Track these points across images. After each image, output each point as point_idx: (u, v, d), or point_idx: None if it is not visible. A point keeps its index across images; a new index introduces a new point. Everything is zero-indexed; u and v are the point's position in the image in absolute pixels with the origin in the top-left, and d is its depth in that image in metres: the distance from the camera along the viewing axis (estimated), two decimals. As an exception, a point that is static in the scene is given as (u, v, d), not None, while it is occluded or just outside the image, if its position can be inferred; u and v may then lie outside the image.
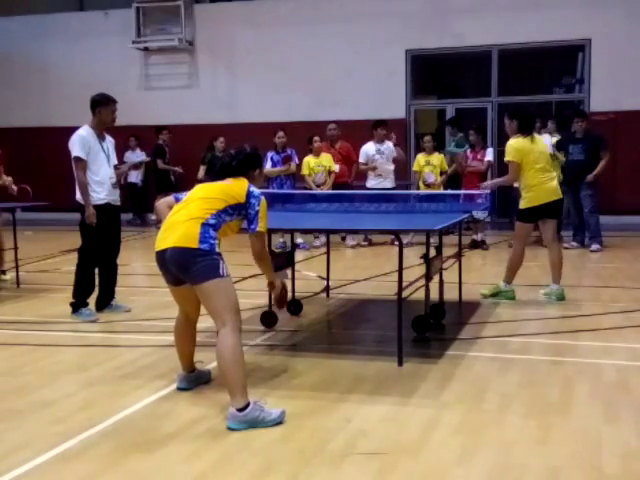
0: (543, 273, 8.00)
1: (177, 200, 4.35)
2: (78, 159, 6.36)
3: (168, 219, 4.20)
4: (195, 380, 4.57)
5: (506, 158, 6.90)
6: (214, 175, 4.36)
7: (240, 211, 4.20)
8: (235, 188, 4.20)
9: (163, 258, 4.11)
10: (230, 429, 3.85)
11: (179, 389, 4.51)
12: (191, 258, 3.99)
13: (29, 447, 3.67)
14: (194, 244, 3.98)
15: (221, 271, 4.01)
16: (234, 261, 4.28)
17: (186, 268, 4.02)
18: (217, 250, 4.06)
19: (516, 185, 7.63)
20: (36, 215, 13.16)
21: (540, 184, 6.86)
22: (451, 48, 14.33)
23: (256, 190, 4.25)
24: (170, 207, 4.32)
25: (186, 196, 4.29)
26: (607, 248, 10.48)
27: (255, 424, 3.87)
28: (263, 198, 4.23)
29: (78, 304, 6.52)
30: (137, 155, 14.25)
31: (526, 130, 6.87)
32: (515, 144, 6.83)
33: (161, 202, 4.48)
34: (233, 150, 4.42)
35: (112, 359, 5.27)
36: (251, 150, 4.42)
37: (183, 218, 4.08)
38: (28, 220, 12.22)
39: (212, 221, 4.07)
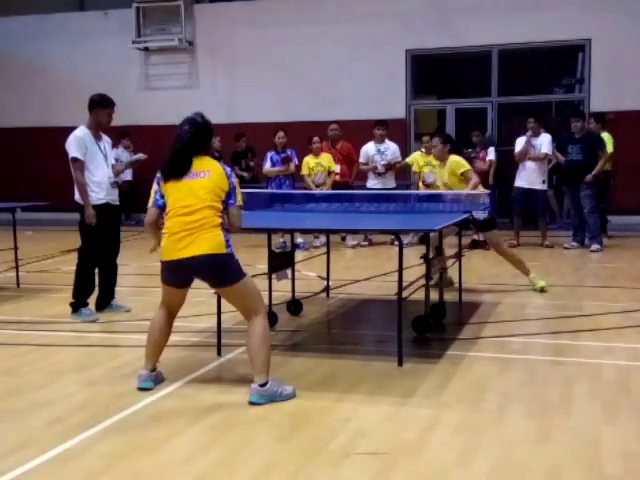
0: (544, 273, 8.01)
1: (159, 207, 4.42)
2: (75, 160, 6.35)
3: (178, 228, 4.26)
4: (156, 380, 4.58)
5: (463, 170, 7.39)
6: (176, 155, 4.35)
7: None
8: (218, 181, 4.32)
9: (184, 265, 4.28)
10: (252, 403, 4.18)
11: (142, 389, 4.49)
12: (224, 263, 4.30)
13: (29, 447, 3.67)
14: (223, 250, 4.26)
15: (243, 269, 4.36)
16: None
17: (220, 273, 4.32)
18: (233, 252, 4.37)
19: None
20: (36, 215, 13.16)
21: None
22: (451, 48, 14.32)
23: (226, 168, 4.43)
24: (158, 218, 4.48)
25: (172, 200, 4.33)
26: (607, 248, 10.47)
27: (274, 398, 4.21)
28: (234, 172, 4.50)
29: (78, 304, 6.52)
30: (131, 154, 14.18)
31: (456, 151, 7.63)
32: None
33: (148, 220, 4.53)
34: (186, 125, 4.39)
35: (112, 359, 5.26)
36: (202, 120, 4.45)
37: (203, 228, 4.23)
38: (28, 220, 12.21)
39: (224, 223, 4.35)
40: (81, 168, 6.35)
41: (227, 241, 4.29)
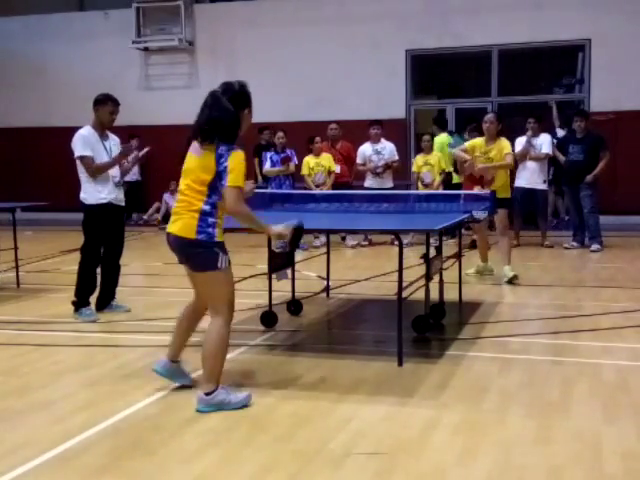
0: (544, 273, 8.01)
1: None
2: (82, 157, 6.35)
3: (176, 203, 4.18)
4: (172, 373, 4.51)
5: (507, 151, 7.93)
6: (201, 113, 4.16)
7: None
8: (205, 160, 4.01)
9: (168, 239, 4.21)
10: (198, 412, 4.07)
11: (155, 370, 4.47)
12: (190, 248, 4.09)
13: (29, 447, 3.67)
14: (192, 235, 4.03)
15: (219, 264, 4.08)
16: (233, 261, 4.26)
17: (186, 257, 4.16)
18: (217, 239, 4.07)
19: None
20: (36, 215, 13.16)
21: None
22: (451, 48, 14.33)
23: (224, 147, 4.00)
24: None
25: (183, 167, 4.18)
26: (607, 248, 10.47)
27: (222, 407, 4.09)
28: (236, 151, 4.00)
29: (80, 303, 6.52)
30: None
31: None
32: None
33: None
34: (220, 87, 4.18)
35: (112, 359, 5.26)
36: (239, 88, 4.17)
37: (183, 210, 4.08)
38: (28, 220, 12.21)
39: (206, 207, 4.04)
40: (91, 162, 6.34)
41: (202, 226, 4.01)
